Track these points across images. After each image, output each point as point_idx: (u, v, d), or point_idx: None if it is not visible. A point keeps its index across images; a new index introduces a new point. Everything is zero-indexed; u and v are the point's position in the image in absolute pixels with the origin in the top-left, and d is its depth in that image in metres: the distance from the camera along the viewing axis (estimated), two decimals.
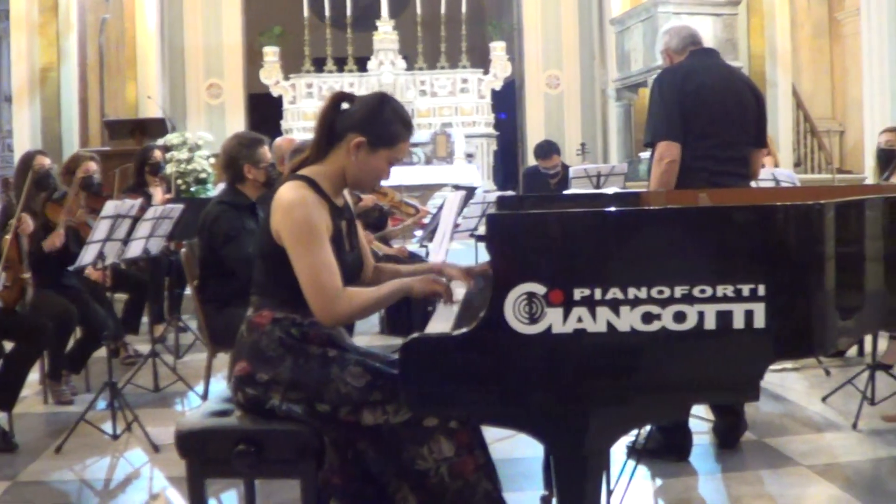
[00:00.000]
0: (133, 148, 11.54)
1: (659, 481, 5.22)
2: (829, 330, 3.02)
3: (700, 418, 5.90)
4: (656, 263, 2.83)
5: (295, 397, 3.43)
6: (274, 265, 3.49)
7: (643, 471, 5.22)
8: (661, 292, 2.79)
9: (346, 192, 3.77)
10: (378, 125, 3.55)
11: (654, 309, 2.80)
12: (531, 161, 12.10)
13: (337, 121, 3.59)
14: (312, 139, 3.67)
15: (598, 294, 2.79)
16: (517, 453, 5.25)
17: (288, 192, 3.47)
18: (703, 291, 2.80)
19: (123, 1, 16.82)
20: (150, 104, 16.52)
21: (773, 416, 6.37)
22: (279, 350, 3.47)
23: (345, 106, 3.63)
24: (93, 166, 7.92)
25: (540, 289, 2.79)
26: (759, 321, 2.83)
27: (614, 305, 2.79)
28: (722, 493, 5.07)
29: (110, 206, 6.36)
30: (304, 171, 3.57)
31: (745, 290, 2.81)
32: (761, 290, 2.82)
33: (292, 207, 3.42)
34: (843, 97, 18.72)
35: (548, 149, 11.46)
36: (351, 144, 3.53)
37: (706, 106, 5.41)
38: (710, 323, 2.82)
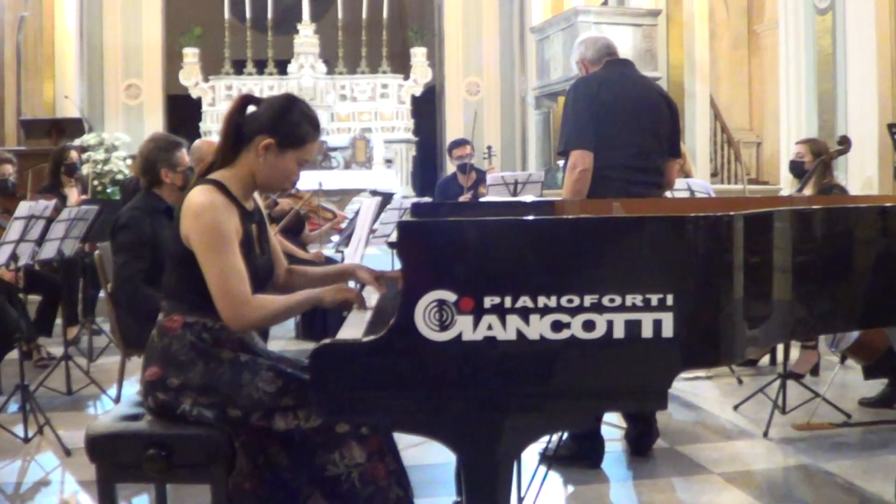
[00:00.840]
0: (49, 148, 11.42)
1: (571, 488, 5.24)
2: (736, 339, 3.05)
3: (612, 426, 5.94)
4: (566, 272, 2.84)
5: (206, 402, 3.41)
6: (184, 270, 3.46)
7: (555, 478, 5.25)
8: (570, 301, 2.80)
9: (256, 196, 3.75)
10: (286, 126, 3.54)
11: (564, 317, 2.80)
12: (451, 168, 12.08)
13: (244, 124, 3.58)
14: (218, 143, 3.66)
15: (508, 302, 2.79)
16: (430, 459, 5.24)
17: (197, 197, 3.44)
18: (612, 300, 2.81)
19: None
20: (68, 104, 16.34)
21: (686, 424, 6.42)
22: (190, 354, 3.44)
23: (252, 109, 3.62)
24: (9, 168, 7.83)
25: (450, 296, 2.79)
26: (668, 330, 2.85)
27: (524, 313, 2.79)
28: (634, 500, 5.11)
29: (24, 207, 6.26)
30: (213, 176, 3.56)
31: (654, 299, 2.83)
32: (670, 299, 2.84)
33: (201, 212, 3.39)
34: (761, 108, 18.99)
35: (461, 141, 11.40)
36: (259, 146, 3.52)
37: (620, 115, 5.46)
38: (618, 332, 2.82)
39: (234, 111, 3.60)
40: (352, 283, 3.88)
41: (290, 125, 3.55)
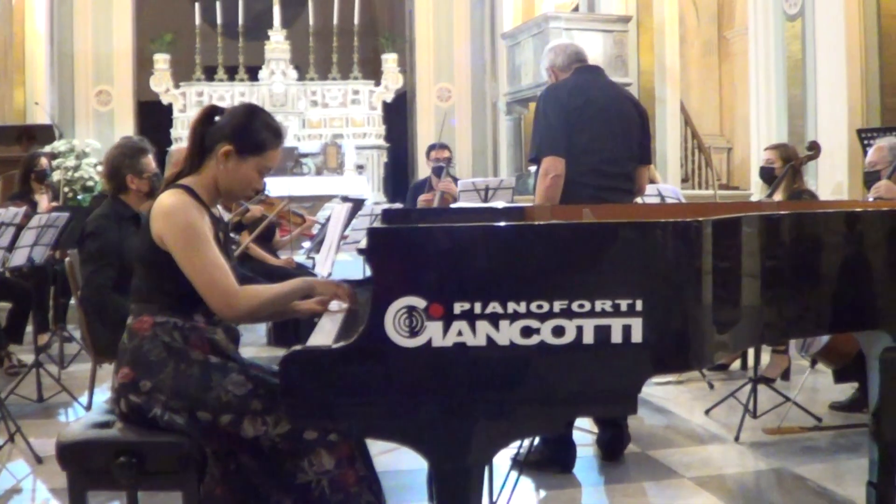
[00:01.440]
0: (19, 154, 11.36)
1: (543, 493, 5.25)
2: (705, 344, 3.06)
3: (584, 431, 5.96)
4: (536, 278, 2.84)
5: (177, 406, 3.40)
6: (155, 271, 3.48)
7: (527, 483, 5.25)
8: (540, 307, 2.80)
9: (220, 208, 3.78)
10: (245, 133, 3.58)
11: (534, 323, 2.81)
12: (423, 173, 12.08)
13: (207, 133, 3.61)
14: (186, 152, 3.70)
15: (477, 308, 2.79)
16: (401, 465, 5.24)
17: (167, 199, 3.48)
18: (581, 306, 2.82)
19: (12, 4, 16.55)
20: (38, 110, 16.29)
21: (657, 428, 6.44)
22: (161, 354, 3.45)
23: (217, 119, 3.65)
24: None
25: (420, 302, 2.79)
26: (637, 336, 2.85)
27: (494, 319, 2.80)
28: None
29: None
30: (181, 182, 3.59)
31: (624, 304, 2.84)
32: (639, 304, 2.85)
33: (173, 212, 3.43)
34: (731, 114, 19.07)
35: (441, 144, 11.39)
36: (219, 154, 3.55)
37: (591, 122, 5.48)
38: (588, 337, 2.83)
39: (199, 121, 3.65)
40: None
41: (249, 132, 3.58)
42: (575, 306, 2.82)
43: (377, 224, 7.02)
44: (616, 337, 2.85)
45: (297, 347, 2.92)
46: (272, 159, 3.64)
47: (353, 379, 2.85)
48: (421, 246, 2.86)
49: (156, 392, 3.42)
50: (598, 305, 2.83)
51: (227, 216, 3.88)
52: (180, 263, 3.40)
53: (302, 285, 3.62)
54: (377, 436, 3.13)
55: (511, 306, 2.80)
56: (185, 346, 3.47)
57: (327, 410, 2.90)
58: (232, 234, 7.57)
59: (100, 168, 13.38)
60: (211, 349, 3.52)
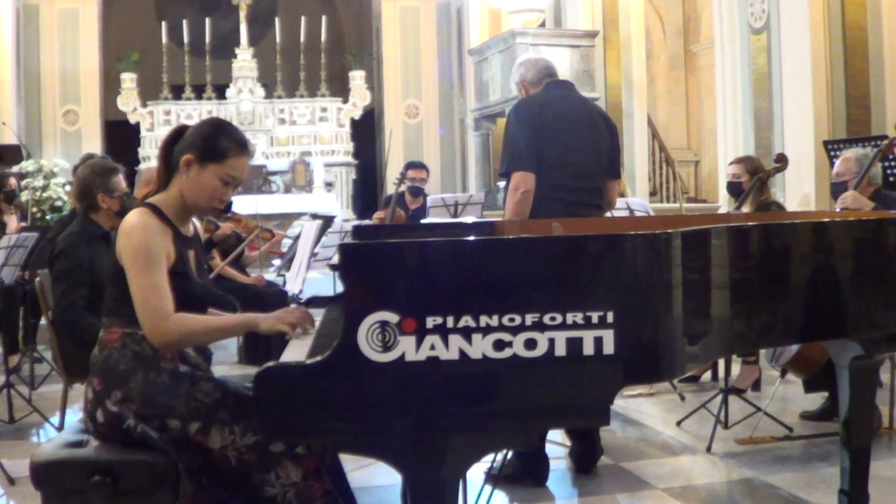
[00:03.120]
0: None
1: None
2: (676, 355, 3.08)
3: (556, 444, 5.97)
4: (508, 291, 2.86)
5: (148, 413, 3.40)
6: (122, 286, 3.49)
7: (501, 496, 5.25)
8: (512, 320, 2.81)
9: (196, 223, 3.79)
10: (204, 141, 3.61)
11: (506, 336, 2.82)
12: (390, 190, 12.06)
13: (175, 151, 3.66)
14: (157, 171, 3.74)
15: (450, 322, 2.80)
16: (376, 481, 5.25)
17: (131, 218, 3.53)
18: (553, 319, 2.83)
19: None
20: (5, 130, 16.24)
21: (630, 440, 6.46)
22: (130, 364, 3.47)
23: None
24: None
25: (393, 317, 2.79)
26: (609, 347, 2.87)
27: (466, 333, 2.81)
28: None
29: None
30: (150, 200, 3.64)
31: (595, 317, 2.85)
32: (610, 317, 2.86)
33: (132, 231, 3.48)
34: (698, 128, 19.16)
35: (418, 164, 11.38)
36: (182, 164, 3.60)
37: (561, 136, 5.50)
38: (560, 349, 2.84)
39: (168, 139, 3.71)
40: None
41: (208, 139, 3.62)
42: (547, 319, 2.83)
43: (348, 240, 7.02)
44: (588, 349, 2.86)
45: (271, 363, 2.93)
46: (235, 168, 3.63)
47: (327, 394, 2.85)
48: (393, 261, 2.87)
49: (127, 401, 3.43)
50: (570, 318, 2.85)
51: (201, 230, 3.87)
52: (128, 281, 3.44)
53: (244, 322, 3.64)
54: (352, 450, 3.14)
55: (483, 320, 2.81)
56: (154, 355, 3.49)
57: (302, 426, 2.91)
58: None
59: (68, 188, 13.37)
60: (181, 359, 3.56)
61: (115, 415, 3.44)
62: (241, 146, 3.67)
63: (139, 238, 3.45)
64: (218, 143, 3.60)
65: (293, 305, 3.85)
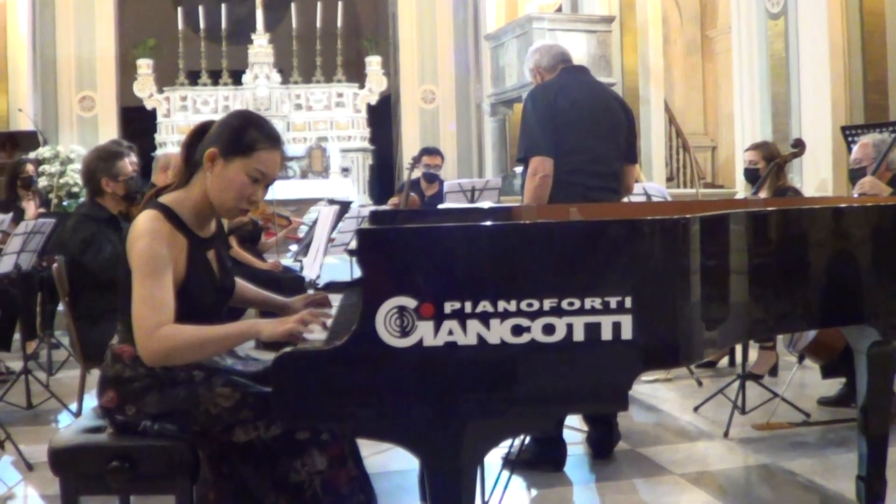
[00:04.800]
0: (4, 161, 11.37)
1: (534, 492, 5.26)
2: (694, 341, 3.07)
3: (574, 429, 5.97)
4: (526, 277, 2.85)
5: (165, 421, 3.37)
6: (128, 290, 3.34)
7: (518, 481, 5.26)
8: (530, 305, 2.81)
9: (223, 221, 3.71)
10: (231, 133, 3.41)
11: (524, 321, 2.81)
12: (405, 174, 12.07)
13: (199, 147, 3.47)
14: (178, 167, 3.57)
15: (468, 307, 2.80)
16: (393, 466, 5.25)
17: (140, 222, 3.35)
18: (571, 304, 2.82)
19: None
20: (22, 117, 16.26)
21: (647, 426, 6.46)
22: (145, 381, 3.36)
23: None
24: None
25: (411, 302, 2.79)
26: (627, 333, 2.86)
27: (484, 318, 2.80)
28: (597, 502, 5.13)
29: None
30: (165, 199, 3.46)
31: (613, 302, 2.85)
32: (628, 302, 2.85)
33: (139, 238, 3.30)
34: (715, 113, 19.10)
35: (434, 150, 11.38)
36: (206, 160, 3.40)
37: (578, 122, 5.49)
38: (578, 335, 2.84)
39: (192, 135, 3.52)
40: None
41: (234, 131, 3.42)
42: (565, 304, 2.83)
43: (365, 226, 7.03)
44: (606, 334, 2.86)
45: (289, 349, 2.92)
46: (264, 163, 3.41)
47: (345, 379, 2.85)
48: (412, 246, 2.87)
49: (141, 413, 3.37)
50: (588, 303, 2.84)
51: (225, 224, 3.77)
52: (132, 288, 3.28)
53: (244, 330, 3.34)
54: (370, 436, 3.13)
55: (501, 305, 2.81)
56: (168, 372, 3.35)
57: (320, 411, 2.90)
58: None
59: None
60: (195, 365, 3.39)
61: (130, 422, 3.40)
62: (273, 140, 3.45)
63: (143, 246, 3.27)
64: (245, 136, 3.38)
65: (311, 291, 3.81)
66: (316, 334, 3.26)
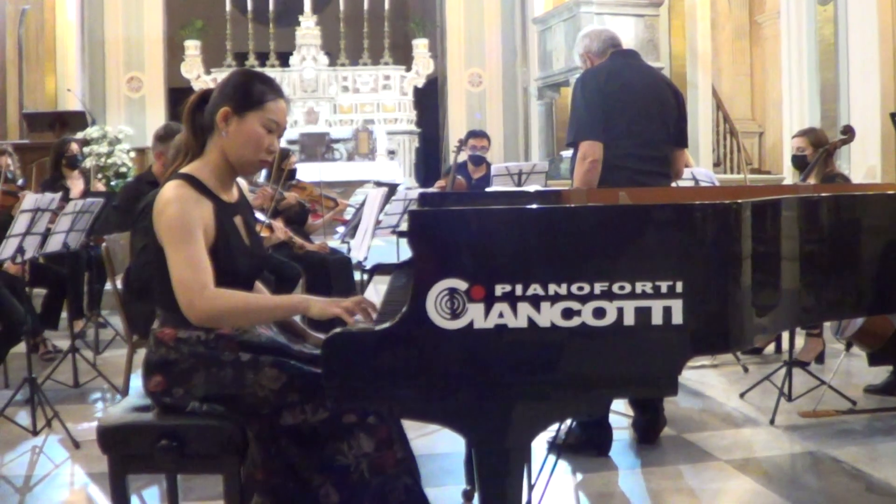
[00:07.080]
0: (52, 141, 11.43)
1: (580, 476, 5.26)
2: (745, 327, 3.06)
3: (620, 414, 5.96)
4: (577, 260, 2.85)
5: (214, 403, 3.41)
6: (162, 270, 3.38)
7: (564, 465, 5.26)
8: (581, 288, 2.81)
9: (241, 183, 3.72)
10: (238, 90, 3.48)
11: (574, 305, 2.82)
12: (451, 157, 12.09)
13: (205, 113, 3.53)
14: (185, 139, 3.61)
15: (518, 290, 2.80)
16: (438, 448, 5.27)
17: (165, 192, 3.40)
18: (622, 288, 2.82)
19: None
20: (70, 97, 16.35)
21: (693, 411, 6.44)
22: (190, 361, 3.40)
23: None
24: (7, 161, 7.87)
25: (461, 284, 2.80)
26: (677, 317, 2.86)
27: (535, 301, 2.81)
28: (642, 487, 5.13)
29: (30, 200, 6.26)
30: (185, 170, 3.50)
31: (664, 286, 2.84)
32: (679, 286, 2.85)
33: (167, 206, 3.35)
34: (763, 99, 18.96)
35: (480, 133, 11.37)
36: (218, 121, 3.46)
37: (628, 106, 5.48)
38: (628, 319, 2.84)
39: (192, 104, 3.57)
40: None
41: (240, 87, 3.49)
42: (615, 288, 2.83)
43: (412, 208, 7.05)
44: (656, 318, 2.86)
45: (339, 329, 2.94)
46: (275, 112, 3.51)
47: (394, 360, 2.86)
48: (463, 228, 2.87)
49: (189, 396, 3.41)
50: (639, 287, 2.84)
51: (245, 188, 3.79)
52: (167, 258, 3.34)
53: (294, 303, 3.49)
54: (418, 417, 3.14)
55: (552, 288, 2.81)
56: (213, 350, 3.40)
57: (369, 392, 2.91)
58: (267, 220, 7.61)
59: (133, 154, 13.49)
60: (240, 347, 3.43)
61: (178, 404, 3.43)
62: (278, 90, 3.55)
63: (173, 211, 3.32)
64: (254, 89, 3.47)
65: (357, 273, 3.81)
66: (361, 325, 3.26)
